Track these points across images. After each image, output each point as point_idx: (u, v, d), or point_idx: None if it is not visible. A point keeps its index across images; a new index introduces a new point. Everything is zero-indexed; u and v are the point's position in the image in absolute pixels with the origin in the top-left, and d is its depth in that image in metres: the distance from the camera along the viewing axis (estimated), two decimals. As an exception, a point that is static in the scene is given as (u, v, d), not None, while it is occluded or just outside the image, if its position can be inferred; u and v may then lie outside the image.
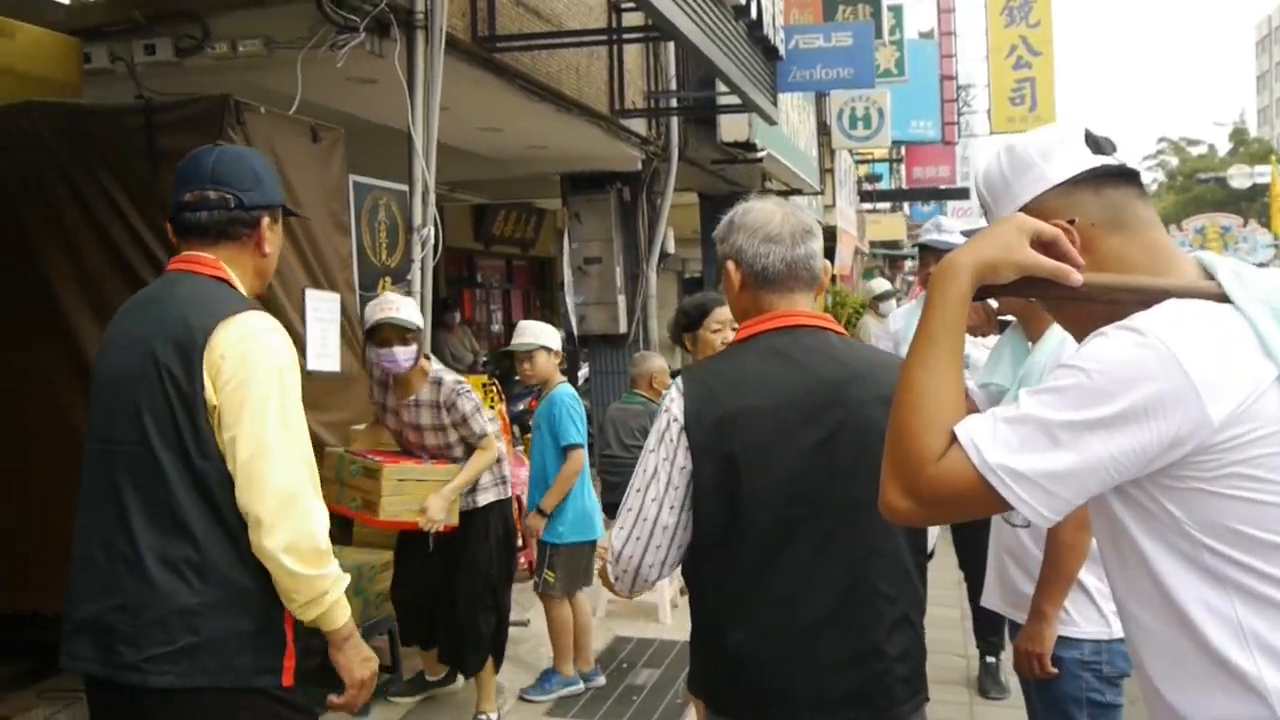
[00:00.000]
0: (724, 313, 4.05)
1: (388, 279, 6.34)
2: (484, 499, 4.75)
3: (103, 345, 2.43)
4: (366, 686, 2.40)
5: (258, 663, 2.25)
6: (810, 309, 2.15)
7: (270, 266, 2.52)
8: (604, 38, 8.18)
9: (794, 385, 2.02)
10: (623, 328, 10.26)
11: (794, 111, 13.76)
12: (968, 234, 1.74)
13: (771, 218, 2.14)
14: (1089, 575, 2.70)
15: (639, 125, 9.46)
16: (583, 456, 5.13)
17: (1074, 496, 1.28)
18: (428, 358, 4.67)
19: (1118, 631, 2.65)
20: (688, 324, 4.21)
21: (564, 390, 5.19)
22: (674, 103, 10.06)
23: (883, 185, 28.16)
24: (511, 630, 5.12)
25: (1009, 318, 2.88)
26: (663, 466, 2.02)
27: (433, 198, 5.58)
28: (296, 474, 2.23)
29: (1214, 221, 30.72)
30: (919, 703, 2.11)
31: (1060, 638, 2.72)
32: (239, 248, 2.41)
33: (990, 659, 5.22)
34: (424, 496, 4.41)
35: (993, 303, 2.78)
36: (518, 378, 5.45)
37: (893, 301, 10.88)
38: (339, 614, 2.30)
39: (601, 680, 5.43)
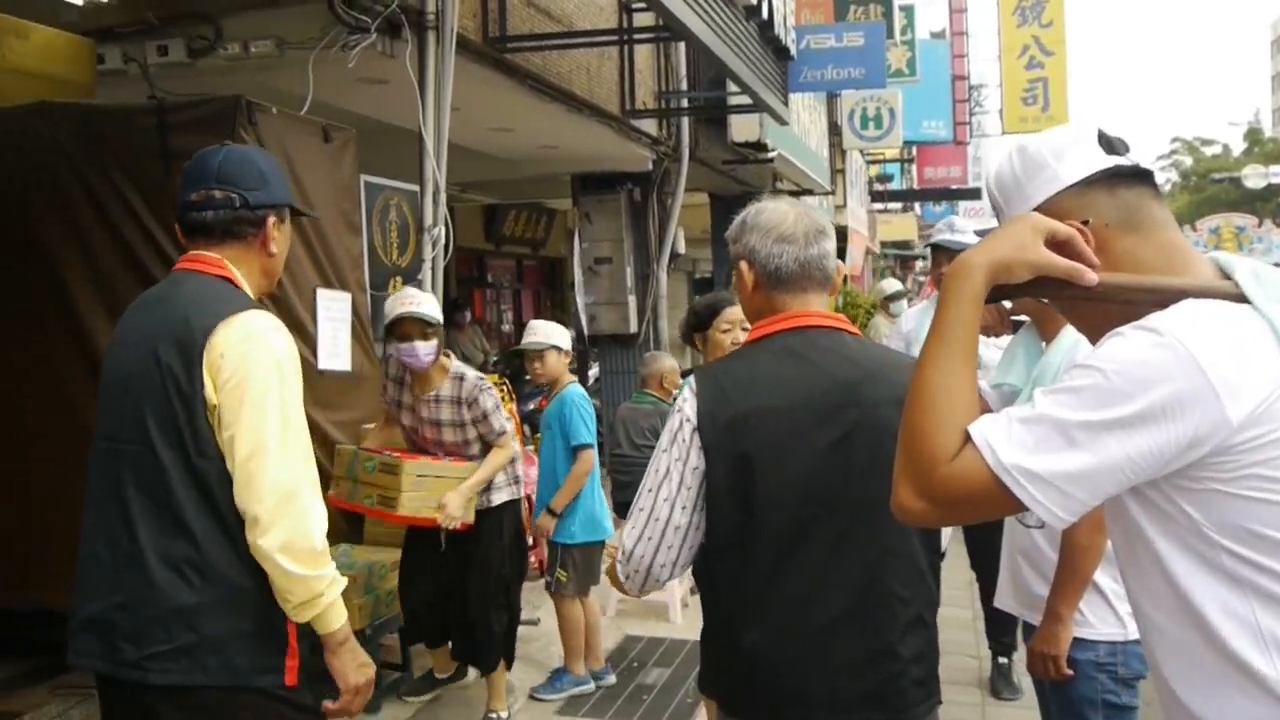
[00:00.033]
0: (734, 313, 4.04)
1: (399, 279, 6.35)
2: (499, 498, 4.74)
3: (111, 344, 2.44)
4: (362, 693, 2.37)
5: (258, 662, 2.24)
6: (823, 309, 2.14)
7: (277, 266, 2.51)
8: (615, 38, 8.19)
9: (808, 385, 2.01)
10: (633, 328, 10.26)
11: (805, 112, 13.75)
12: (981, 234, 1.73)
13: (785, 218, 2.13)
14: (1104, 576, 2.69)
15: (650, 125, 9.46)
16: (593, 456, 5.13)
17: (1089, 498, 1.27)
18: (447, 354, 4.66)
19: (1133, 633, 2.63)
20: (698, 324, 4.20)
21: (574, 390, 5.18)
22: (685, 103, 10.06)
23: (894, 185, 28.11)
24: (522, 629, 5.12)
25: (1022, 318, 2.87)
26: (675, 466, 2.01)
27: (443, 198, 5.60)
28: (295, 473, 2.22)
29: (1229, 221, 30.56)
30: (932, 705, 2.10)
31: (1075, 639, 2.70)
32: (245, 247, 2.41)
33: (1003, 660, 5.20)
34: (442, 493, 4.41)
35: (1006, 302, 2.77)
36: (528, 377, 5.45)
37: (904, 302, 10.84)
38: (335, 617, 2.28)
39: (612, 679, 5.42)
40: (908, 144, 23.52)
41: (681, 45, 9.58)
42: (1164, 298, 1.33)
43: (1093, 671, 2.72)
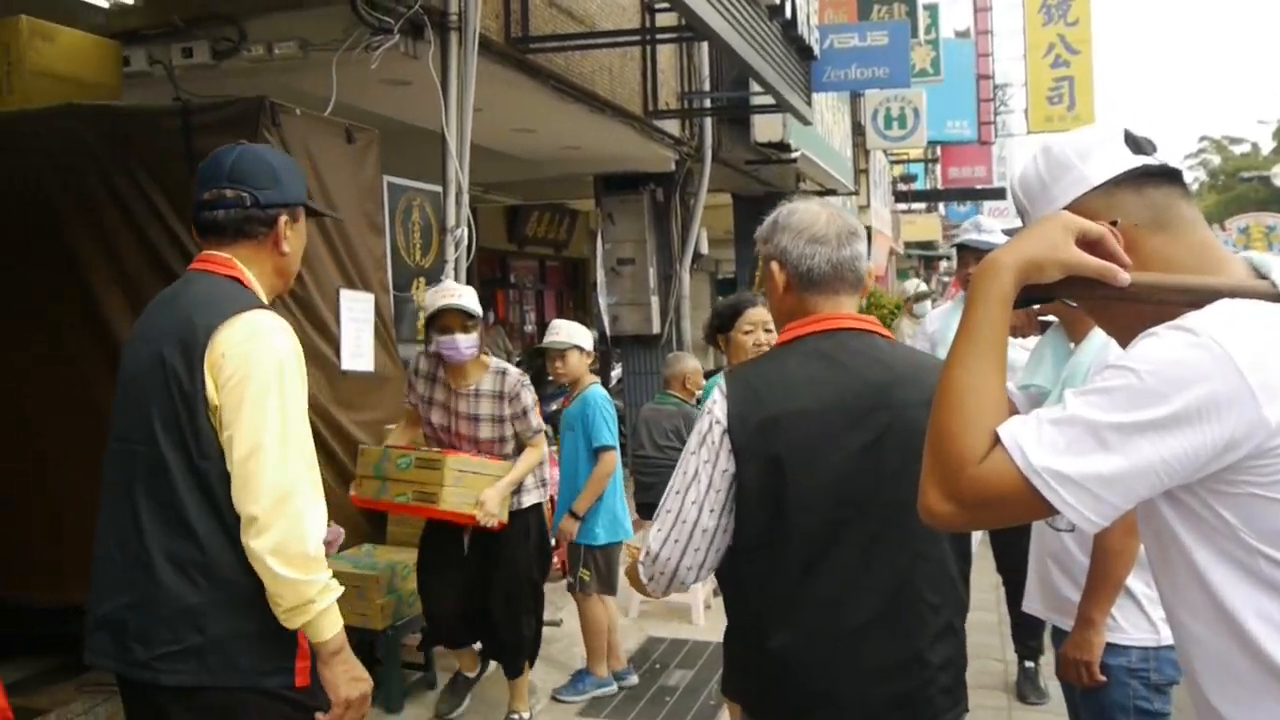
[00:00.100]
0: (756, 314, 4.02)
1: (421, 279, 6.37)
2: (528, 500, 4.71)
3: (126, 345, 2.45)
4: (354, 708, 2.30)
5: (266, 663, 2.23)
6: (855, 311, 2.12)
7: (291, 265, 2.49)
8: (637, 38, 8.18)
9: (840, 388, 2.00)
10: (656, 328, 10.25)
11: (828, 111, 13.70)
12: (1008, 233, 1.70)
13: (817, 219, 2.12)
14: (1136, 581, 2.65)
15: (672, 126, 9.46)
16: (615, 458, 5.12)
17: (1122, 501, 1.24)
18: (485, 351, 4.64)
19: (1166, 638, 2.60)
20: (720, 325, 4.19)
21: (596, 391, 5.17)
22: (708, 103, 10.04)
23: (918, 185, 27.99)
24: (544, 630, 5.11)
25: (1050, 318, 2.84)
26: (704, 469, 1.99)
27: (466, 198, 5.60)
28: (293, 475, 2.19)
29: (1259, 221, 30.20)
30: (959, 713, 2.08)
31: (1107, 645, 2.67)
32: (256, 246, 2.39)
33: (1029, 664, 5.16)
34: (479, 490, 4.37)
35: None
36: (550, 378, 5.44)
37: (928, 303, 10.78)
38: (327, 625, 2.23)
39: (634, 679, 5.41)
40: (932, 144, 23.39)
41: (704, 45, 9.56)
42: (1198, 298, 1.30)
43: (1125, 677, 2.68)
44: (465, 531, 4.60)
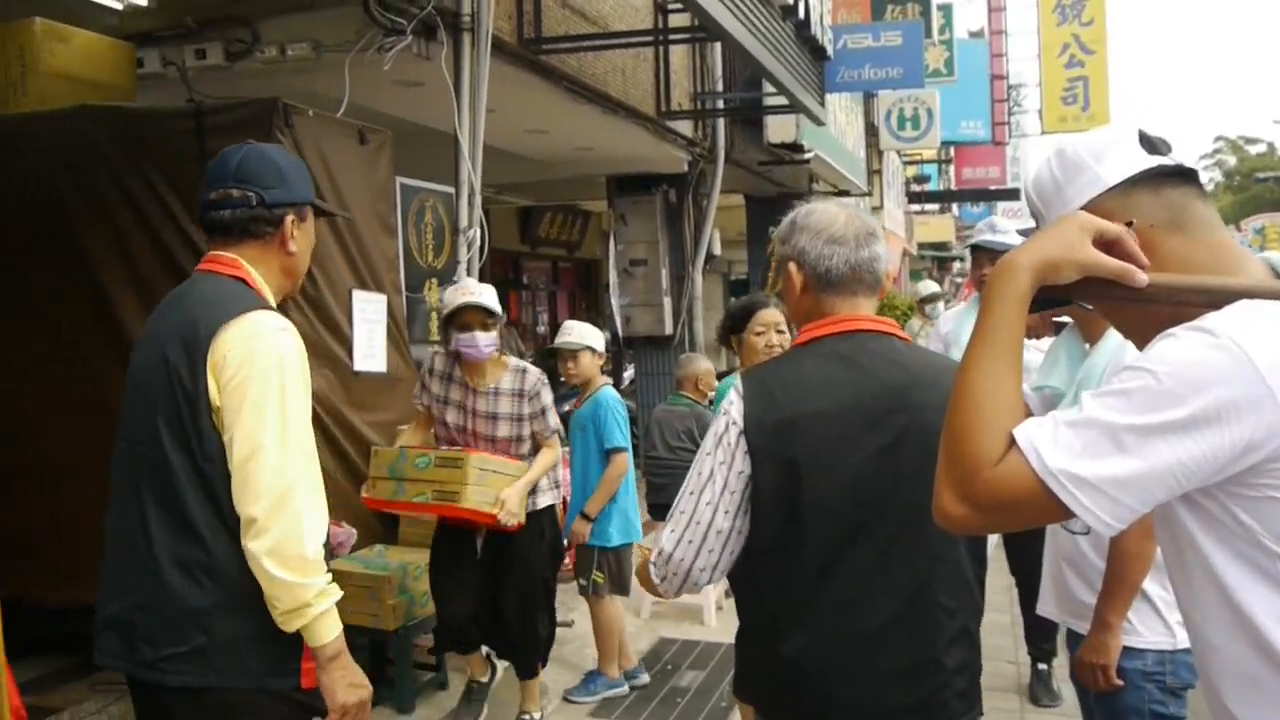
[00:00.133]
0: (768, 315, 4.01)
1: (434, 280, 6.38)
2: (543, 501, 4.67)
3: (136, 345, 2.45)
4: (352, 714, 2.27)
5: (271, 665, 2.22)
6: (873, 313, 2.11)
7: (298, 265, 2.47)
8: (650, 39, 8.17)
9: (858, 390, 1.99)
10: (668, 329, 10.25)
11: (841, 112, 13.67)
12: (1023, 234, 1.69)
13: (835, 219, 2.10)
14: (1153, 584, 2.63)
15: (685, 127, 9.45)
16: (627, 460, 5.11)
17: (1139, 504, 1.22)
18: (502, 351, 4.62)
19: (1182, 642, 2.58)
20: (733, 326, 4.18)
21: (608, 393, 5.17)
22: (720, 104, 10.04)
23: (931, 186, 27.92)
24: (556, 631, 5.10)
25: (1065, 319, 2.82)
26: (719, 470, 1.98)
27: (479, 199, 5.60)
28: (292, 476, 2.17)
29: (1274, 221, 30.05)
30: (974, 716, 2.07)
31: (1123, 648, 2.65)
32: (263, 246, 2.38)
33: (1042, 666, 5.13)
34: (499, 489, 4.33)
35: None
36: (562, 379, 5.43)
37: (940, 304, 10.77)
38: (324, 629, 2.20)
39: (645, 677, 5.41)
40: (945, 144, 23.36)
41: (717, 46, 9.56)
42: (1217, 299, 1.28)
43: (1140, 681, 2.66)
44: (478, 533, 4.58)
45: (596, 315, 14.77)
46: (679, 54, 9.26)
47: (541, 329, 15.44)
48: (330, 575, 2.22)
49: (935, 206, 29.55)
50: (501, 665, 5.06)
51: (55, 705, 4.25)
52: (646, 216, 10.18)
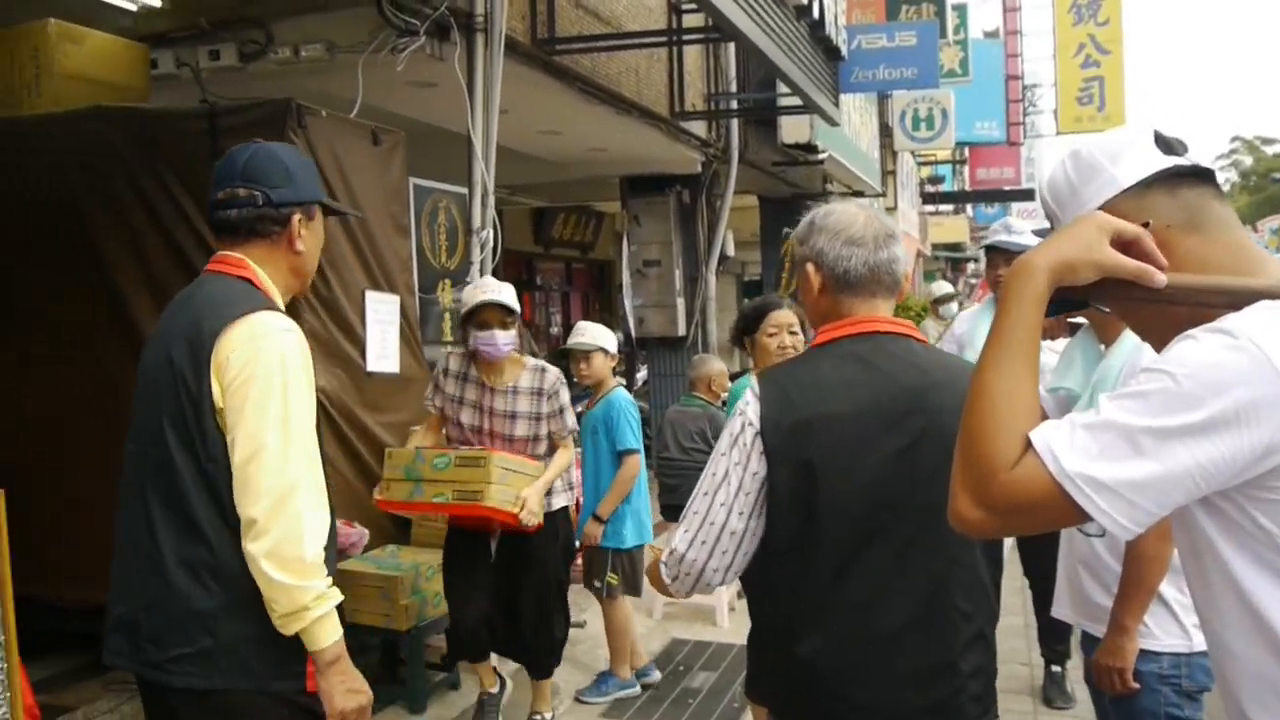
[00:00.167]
0: (780, 316, 4.00)
1: (447, 281, 6.38)
2: (557, 502, 4.65)
3: (145, 346, 2.44)
4: None
5: (276, 667, 2.20)
6: (890, 315, 2.10)
7: (306, 265, 2.44)
8: (664, 39, 8.17)
9: (875, 391, 1.98)
10: (681, 330, 10.24)
11: (856, 113, 13.64)
12: (1039, 234, 1.68)
13: (854, 220, 2.09)
14: (1169, 587, 2.62)
15: (699, 127, 9.44)
16: (639, 461, 5.10)
17: (1157, 508, 1.21)
18: (519, 350, 4.59)
19: (1199, 645, 2.57)
20: (745, 327, 4.17)
21: (621, 394, 5.16)
22: (734, 104, 10.03)
23: (945, 187, 27.85)
24: (570, 632, 5.09)
25: (1080, 320, 2.80)
26: (734, 470, 1.97)
27: (492, 200, 5.61)
28: (293, 478, 2.15)
29: (1292, 222, 29.88)
30: (990, 720, 2.05)
31: (1139, 651, 2.63)
32: (270, 246, 2.36)
33: (1056, 668, 5.12)
34: (519, 489, 4.29)
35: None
36: (575, 380, 5.43)
37: (954, 304, 10.74)
38: (323, 633, 2.17)
39: (657, 675, 5.41)
40: (960, 145, 23.29)
41: (731, 46, 9.55)
42: (1237, 299, 1.27)
43: (1156, 684, 2.64)
44: (493, 535, 4.56)
45: (610, 316, 14.78)
46: (693, 54, 9.26)
47: (555, 330, 15.46)
48: (330, 579, 2.19)
49: (949, 207, 29.49)
50: (510, 681, 5.02)
51: (68, 704, 4.26)
52: (660, 217, 10.17)
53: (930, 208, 26.60)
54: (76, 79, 4.74)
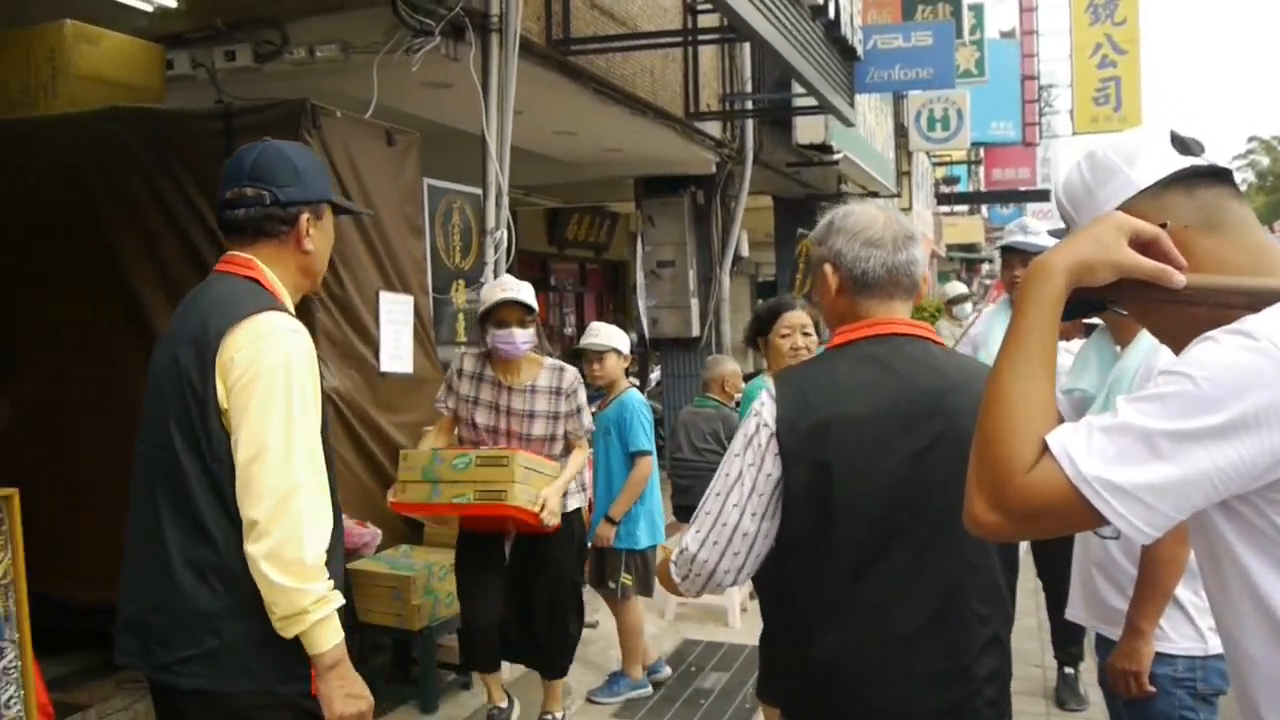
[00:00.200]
0: (793, 317, 3.99)
1: (461, 281, 6.38)
2: (571, 503, 4.62)
3: (155, 348, 2.44)
4: None
5: (280, 669, 2.18)
6: (908, 317, 2.09)
7: (315, 264, 2.42)
8: (679, 39, 8.16)
9: (893, 393, 1.97)
10: (695, 331, 10.23)
11: (871, 113, 13.61)
12: (1055, 234, 1.66)
13: (874, 221, 2.08)
14: (1184, 590, 2.60)
15: (713, 128, 9.43)
16: (651, 463, 5.10)
17: (1175, 511, 1.20)
18: (536, 349, 4.56)
19: (1214, 648, 2.55)
20: (759, 328, 4.17)
21: (633, 395, 5.16)
22: (749, 105, 10.02)
23: (960, 187, 27.75)
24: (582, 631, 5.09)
25: (1095, 321, 2.78)
26: (748, 471, 1.96)
27: (506, 201, 5.61)
28: (294, 479, 2.13)
29: (1309, 223, 29.71)
30: (1004, 726, 2.04)
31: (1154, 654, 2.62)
32: (278, 245, 2.34)
33: (1069, 670, 5.10)
34: (539, 489, 4.25)
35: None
36: (588, 380, 5.42)
37: (967, 305, 10.68)
38: (322, 637, 2.15)
39: (667, 670, 5.41)
40: (975, 145, 23.21)
41: (746, 46, 9.54)
42: (1257, 300, 1.25)
43: (1170, 687, 2.63)
44: (507, 538, 4.54)
45: (624, 317, 14.78)
46: (708, 55, 9.25)
47: (569, 330, 15.46)
48: (332, 582, 2.17)
49: (964, 208, 29.39)
50: (519, 702, 4.96)
51: (82, 702, 4.27)
52: (674, 218, 10.17)
53: (945, 208, 26.50)
54: (92, 80, 4.76)
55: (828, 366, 2.06)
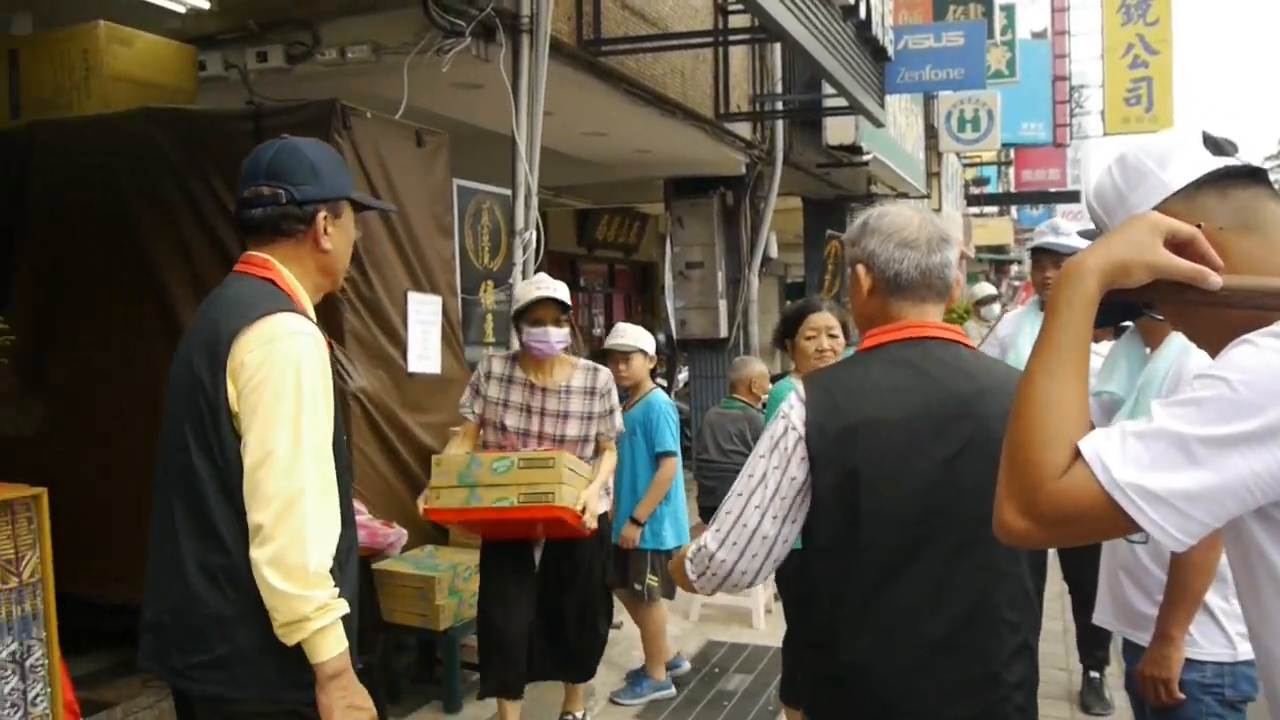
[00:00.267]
0: (819, 319, 3.97)
1: (489, 282, 6.40)
2: (601, 506, 4.53)
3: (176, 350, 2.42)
4: None
5: (290, 678, 2.14)
6: (940, 320, 2.06)
7: (335, 263, 2.37)
8: (710, 40, 8.14)
9: (924, 397, 1.95)
10: (723, 332, 10.21)
11: (901, 114, 13.54)
12: (1086, 235, 1.64)
13: (909, 223, 2.06)
14: (1213, 595, 2.57)
15: (743, 129, 9.41)
16: (676, 464, 5.08)
17: (1210, 519, 1.17)
18: (567, 350, 4.48)
19: (1243, 654, 2.52)
20: (786, 330, 4.15)
21: (659, 396, 5.15)
22: (779, 105, 9.98)
23: (990, 188, 27.56)
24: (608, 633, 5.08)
25: (1125, 323, 2.75)
26: (772, 474, 1.95)
27: (535, 202, 5.61)
28: (300, 484, 2.09)
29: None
30: (1032, 731, 2.02)
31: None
32: (296, 245, 2.30)
33: (1094, 674, 5.06)
34: (579, 490, 4.18)
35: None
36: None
37: (995, 305, 10.60)
38: (324, 646, 2.10)
39: (686, 665, 5.40)
40: (1005, 146, 23.04)
41: (777, 47, 9.51)
42: None
43: (1199, 693, 2.60)
44: (536, 544, 4.45)
45: (652, 317, 14.78)
46: (738, 55, 9.23)
47: (598, 330, 15.48)
48: (337, 590, 2.12)
49: (994, 209, 29.19)
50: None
51: (109, 700, 4.30)
52: (703, 219, 10.16)
53: (975, 209, 26.32)
54: (125, 80, 4.81)
55: (859, 370, 2.04)
